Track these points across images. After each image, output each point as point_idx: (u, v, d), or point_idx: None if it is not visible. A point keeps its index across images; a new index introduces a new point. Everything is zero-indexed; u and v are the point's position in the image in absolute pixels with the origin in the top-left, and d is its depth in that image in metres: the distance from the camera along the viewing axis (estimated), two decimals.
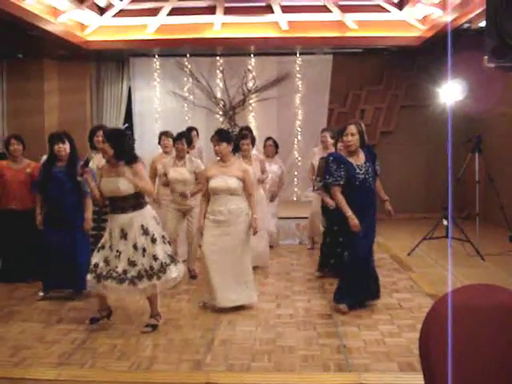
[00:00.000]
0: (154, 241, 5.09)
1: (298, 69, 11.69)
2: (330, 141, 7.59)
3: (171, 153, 7.48)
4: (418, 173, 11.60)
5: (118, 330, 5.24)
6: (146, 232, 5.08)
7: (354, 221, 5.39)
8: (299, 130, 11.65)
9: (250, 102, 11.66)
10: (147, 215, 5.17)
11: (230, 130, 9.55)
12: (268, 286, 6.79)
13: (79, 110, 11.86)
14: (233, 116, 11.54)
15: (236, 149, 6.07)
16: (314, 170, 7.81)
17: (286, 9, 10.20)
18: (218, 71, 11.70)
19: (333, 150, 6.86)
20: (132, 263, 5.02)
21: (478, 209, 8.42)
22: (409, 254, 8.15)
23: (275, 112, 11.76)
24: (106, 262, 5.07)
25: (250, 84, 11.52)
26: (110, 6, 10.19)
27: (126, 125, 12.04)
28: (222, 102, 11.63)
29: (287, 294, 6.38)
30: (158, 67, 11.89)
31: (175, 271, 5.20)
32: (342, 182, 5.48)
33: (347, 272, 5.69)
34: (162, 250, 5.14)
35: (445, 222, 8.13)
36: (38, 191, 6.26)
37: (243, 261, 5.82)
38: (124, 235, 5.04)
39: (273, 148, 8.71)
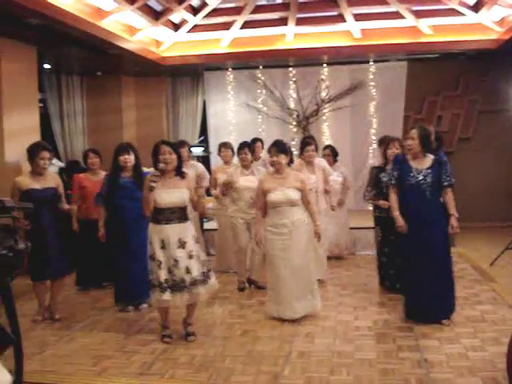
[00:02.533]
0: None
1: (371, 77, 11.58)
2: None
3: (231, 163, 7.67)
4: (499, 180, 11.20)
5: (196, 340, 5.29)
6: (196, 240, 5.28)
7: (399, 221, 5.46)
8: (374, 138, 11.50)
9: (324, 111, 11.62)
10: None
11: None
12: (345, 297, 6.69)
13: (156, 124, 12.17)
14: (306, 126, 11.53)
15: (291, 161, 5.98)
16: None
17: (358, 17, 10.11)
18: (291, 82, 11.75)
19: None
20: (188, 271, 5.09)
21: None
22: (491, 265, 7.87)
23: (349, 121, 11.68)
24: (171, 273, 5.09)
25: (324, 94, 11.50)
26: (184, 21, 10.40)
27: (202, 138, 12.25)
28: (296, 113, 11.65)
29: (365, 306, 6.27)
30: (231, 80, 12.06)
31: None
32: (393, 182, 5.53)
33: (406, 283, 5.70)
34: None
35: None
36: (103, 202, 6.35)
37: (308, 271, 5.83)
38: (182, 244, 5.09)
39: (331, 157, 8.56)
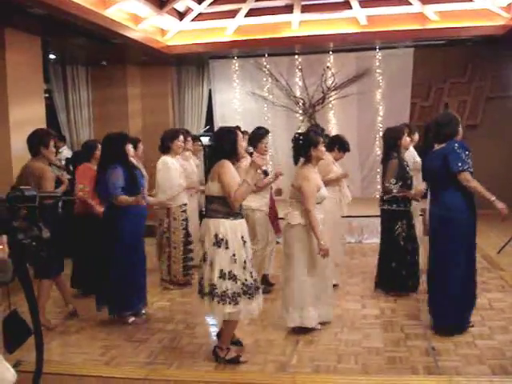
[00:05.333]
0: None
1: (377, 64, 11.50)
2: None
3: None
4: (507, 166, 11.10)
5: (203, 330, 5.30)
6: None
7: (500, 203, 5.05)
8: (381, 126, 11.43)
9: (330, 99, 11.57)
10: None
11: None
12: (353, 286, 6.68)
13: (162, 113, 12.14)
14: (313, 114, 11.50)
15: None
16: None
17: (364, 3, 10.02)
18: (296, 70, 11.70)
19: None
20: (256, 271, 4.68)
21: None
22: (499, 252, 7.83)
23: (355, 109, 11.62)
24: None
25: (330, 81, 11.44)
26: (188, 10, 10.36)
27: (208, 127, 12.22)
28: (302, 101, 11.62)
29: (372, 294, 6.26)
30: (237, 68, 12.02)
31: None
32: (471, 170, 5.10)
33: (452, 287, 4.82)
34: None
35: None
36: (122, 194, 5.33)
37: None
38: (244, 242, 4.40)
39: None
